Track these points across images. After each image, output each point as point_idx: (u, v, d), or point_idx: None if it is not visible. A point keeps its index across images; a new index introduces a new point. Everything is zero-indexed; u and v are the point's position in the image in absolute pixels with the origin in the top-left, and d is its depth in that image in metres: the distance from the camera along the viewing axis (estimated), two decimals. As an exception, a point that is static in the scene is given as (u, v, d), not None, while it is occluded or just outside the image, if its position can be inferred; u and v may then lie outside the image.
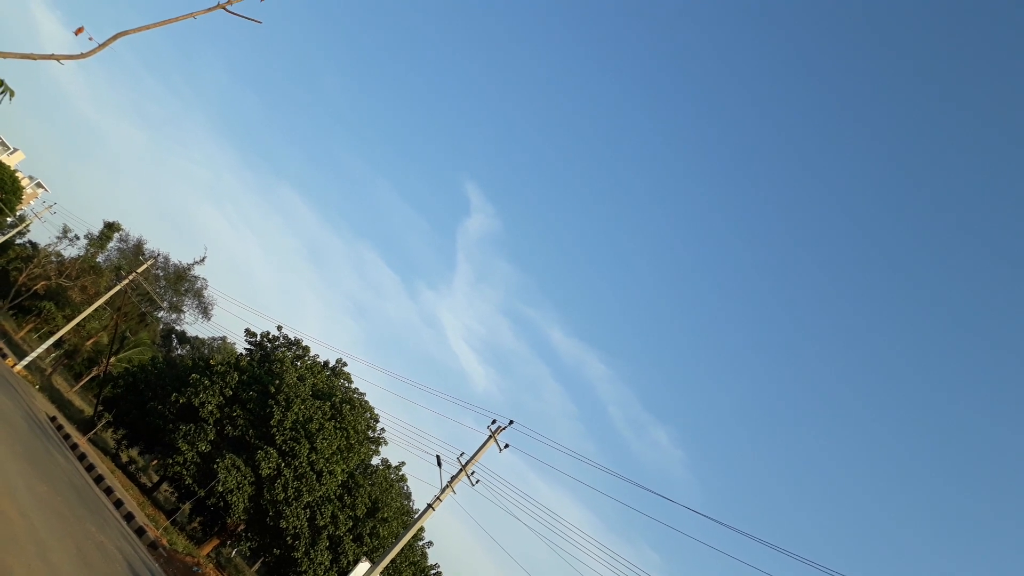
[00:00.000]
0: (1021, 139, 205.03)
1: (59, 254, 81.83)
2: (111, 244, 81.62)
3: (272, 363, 45.13)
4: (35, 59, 8.01)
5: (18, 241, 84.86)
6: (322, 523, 39.26)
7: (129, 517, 33.92)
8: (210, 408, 41.63)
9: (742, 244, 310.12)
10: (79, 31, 9.23)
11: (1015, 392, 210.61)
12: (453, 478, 30.48)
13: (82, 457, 37.96)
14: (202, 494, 40.29)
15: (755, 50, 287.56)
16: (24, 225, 78.60)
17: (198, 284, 71.87)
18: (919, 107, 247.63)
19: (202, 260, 71.41)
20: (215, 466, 39.35)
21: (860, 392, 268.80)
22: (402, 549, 33.79)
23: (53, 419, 42.00)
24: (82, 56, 8.51)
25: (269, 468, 39.16)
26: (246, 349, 49.59)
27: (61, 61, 8.50)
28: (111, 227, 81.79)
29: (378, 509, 41.48)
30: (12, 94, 6.07)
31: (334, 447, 40.71)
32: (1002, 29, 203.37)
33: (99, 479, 36.27)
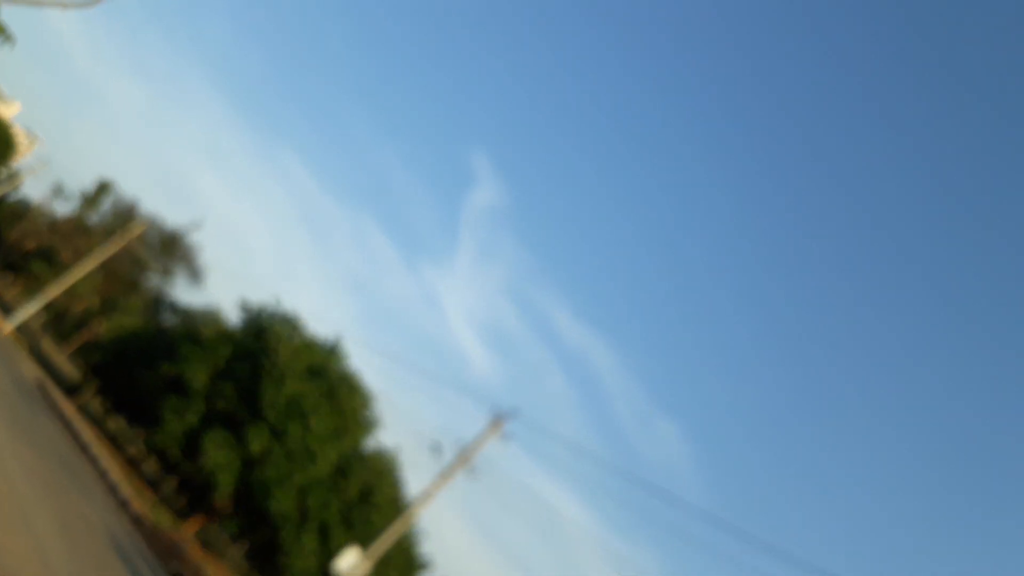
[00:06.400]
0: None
1: (51, 212, 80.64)
2: (104, 205, 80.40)
3: (266, 337, 44.18)
4: (39, 5, 7.08)
5: (10, 196, 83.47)
6: (312, 506, 38.51)
7: (114, 489, 33.48)
8: (200, 381, 40.79)
9: (758, 236, 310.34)
10: (89, -24, 8.28)
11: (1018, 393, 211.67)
12: (451, 467, 29.68)
13: (68, 424, 37.48)
14: (188, 469, 39.51)
15: (771, 37, 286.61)
16: (17, 180, 77.27)
17: (192, 250, 70.90)
18: (933, 100, 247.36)
19: (197, 226, 70.28)
20: (203, 441, 38.55)
21: (883, 392, 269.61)
22: (394, 538, 33.07)
23: (40, 383, 41.31)
24: (87, 4, 7.68)
25: (259, 446, 38.36)
26: (240, 321, 48.62)
27: (65, 8, 7.65)
28: (104, 187, 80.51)
29: (370, 495, 40.71)
30: (14, 41, 4.99)
31: (327, 428, 39.92)
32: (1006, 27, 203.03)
33: (85, 448, 35.82)
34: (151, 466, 50.04)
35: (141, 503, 35.28)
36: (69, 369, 64.64)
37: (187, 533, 38.38)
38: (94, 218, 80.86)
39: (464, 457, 29.79)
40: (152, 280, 71.82)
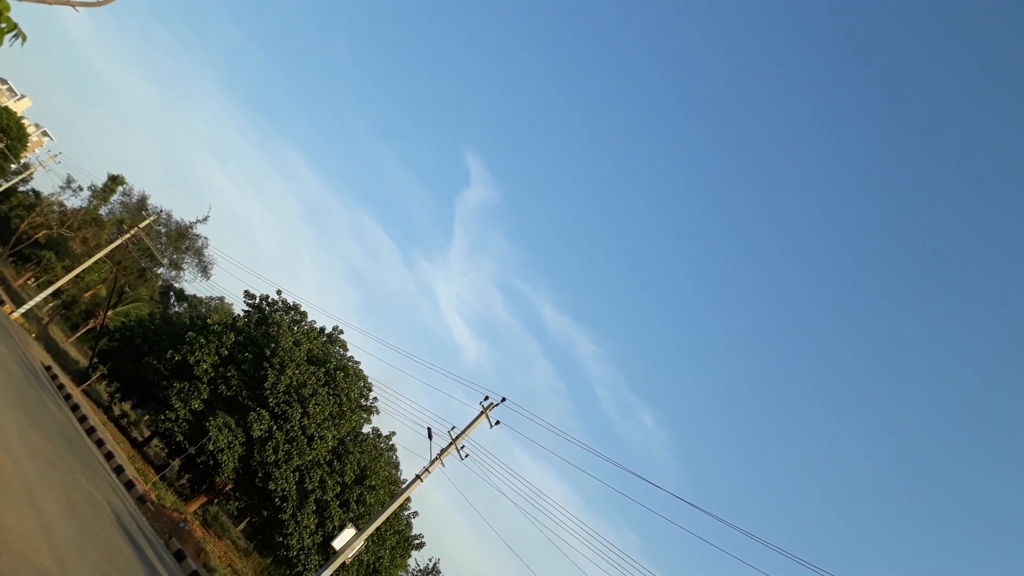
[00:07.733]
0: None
1: (61, 204, 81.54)
2: (114, 197, 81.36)
3: (269, 326, 45.14)
4: (49, 3, 7.81)
5: (21, 189, 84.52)
6: (310, 487, 39.44)
7: (119, 470, 34.03)
8: (205, 367, 41.64)
9: (737, 234, 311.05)
10: (95, -22, 9.09)
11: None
12: (443, 451, 30.59)
13: (75, 408, 38.00)
14: (192, 452, 40.42)
15: (762, 39, 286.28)
16: (28, 173, 78.29)
17: (199, 242, 71.85)
18: (927, 105, 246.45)
19: (205, 219, 71.32)
20: (207, 424, 39.45)
21: (848, 383, 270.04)
22: (388, 518, 34.00)
23: (48, 368, 42.03)
24: (97, 4, 8.36)
25: (261, 430, 39.26)
26: (244, 310, 49.61)
27: (76, 8, 8.34)
28: (115, 180, 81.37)
29: (366, 477, 41.66)
30: (24, 39, 5.94)
31: (326, 413, 40.81)
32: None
33: (91, 431, 36.33)
34: (156, 448, 51.06)
35: (145, 484, 36.00)
36: (77, 354, 65.66)
37: (190, 512, 39.30)
38: (104, 210, 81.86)
39: (455, 441, 30.72)
40: (160, 271, 72.80)
